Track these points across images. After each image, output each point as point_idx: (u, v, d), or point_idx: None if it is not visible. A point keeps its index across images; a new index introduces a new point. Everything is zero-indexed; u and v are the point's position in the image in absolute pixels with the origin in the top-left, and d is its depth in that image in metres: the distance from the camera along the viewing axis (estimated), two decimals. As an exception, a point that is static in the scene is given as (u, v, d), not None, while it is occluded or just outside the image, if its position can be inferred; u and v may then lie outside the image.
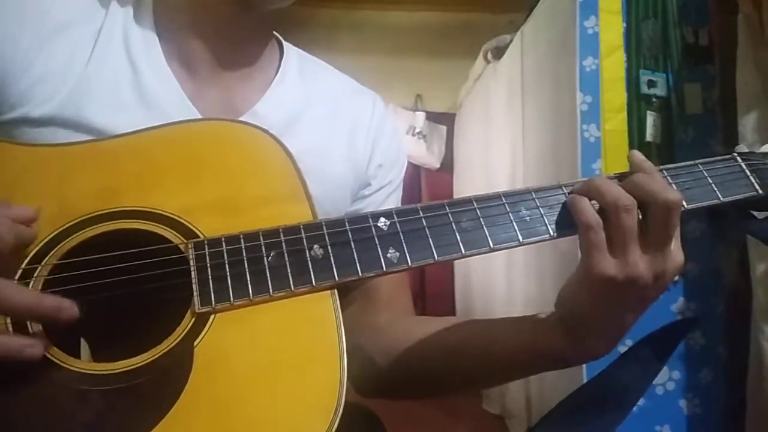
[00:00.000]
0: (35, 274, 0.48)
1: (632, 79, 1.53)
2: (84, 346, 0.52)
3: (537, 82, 1.99)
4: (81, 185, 0.53)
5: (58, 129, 0.57)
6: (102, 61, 0.59)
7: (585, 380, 0.59)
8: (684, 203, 0.53)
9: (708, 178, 0.56)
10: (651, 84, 1.52)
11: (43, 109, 0.57)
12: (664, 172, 0.55)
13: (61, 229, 0.50)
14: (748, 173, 0.58)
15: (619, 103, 1.53)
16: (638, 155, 0.54)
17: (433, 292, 3.28)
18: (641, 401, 1.46)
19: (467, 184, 3.19)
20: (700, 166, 0.57)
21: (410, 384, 0.67)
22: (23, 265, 0.48)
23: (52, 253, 0.49)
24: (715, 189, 0.56)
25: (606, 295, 0.50)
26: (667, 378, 1.49)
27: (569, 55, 1.60)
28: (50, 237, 0.50)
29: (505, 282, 2.36)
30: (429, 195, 3.48)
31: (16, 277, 0.48)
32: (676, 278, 1.49)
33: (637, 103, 1.52)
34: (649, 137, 1.50)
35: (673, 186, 0.54)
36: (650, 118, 1.51)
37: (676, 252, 0.51)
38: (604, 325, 0.53)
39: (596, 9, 1.55)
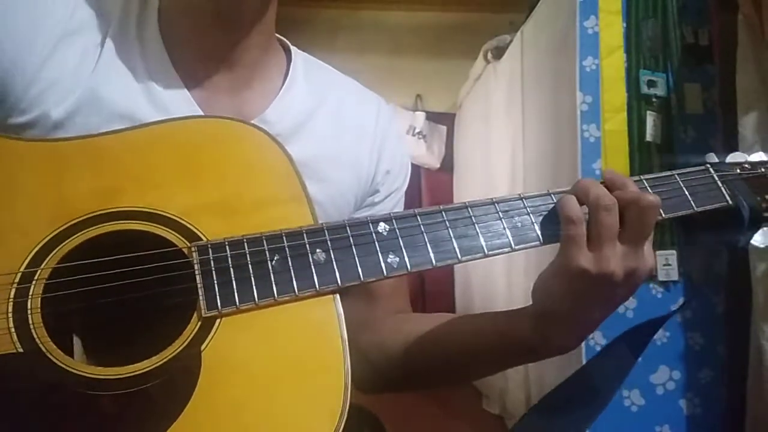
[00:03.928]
0: (35, 277, 0.47)
1: (632, 79, 1.53)
2: (77, 347, 0.51)
3: (537, 82, 1.99)
4: (79, 183, 0.52)
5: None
6: (109, 69, 0.59)
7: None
8: (661, 212, 0.55)
9: (684, 188, 0.59)
10: (651, 84, 1.52)
11: (53, 113, 0.57)
12: (644, 181, 0.57)
13: (60, 230, 0.49)
14: (720, 184, 0.60)
15: (619, 103, 1.53)
16: (610, 171, 0.56)
17: (433, 291, 3.27)
18: (641, 401, 1.46)
19: (467, 184, 3.19)
20: (676, 176, 0.59)
21: (403, 377, 0.69)
22: (22, 268, 0.47)
23: (51, 255, 0.48)
24: (690, 199, 0.58)
25: (578, 288, 0.52)
26: (667, 378, 1.49)
27: (569, 55, 1.60)
28: (49, 238, 0.49)
29: (505, 281, 2.36)
30: (429, 195, 3.47)
31: (15, 280, 0.47)
32: (677, 279, 1.50)
33: (637, 103, 1.53)
34: (649, 137, 1.51)
35: None
36: (650, 118, 1.51)
37: (648, 254, 0.53)
38: (572, 319, 0.55)
39: (596, 9, 1.55)
